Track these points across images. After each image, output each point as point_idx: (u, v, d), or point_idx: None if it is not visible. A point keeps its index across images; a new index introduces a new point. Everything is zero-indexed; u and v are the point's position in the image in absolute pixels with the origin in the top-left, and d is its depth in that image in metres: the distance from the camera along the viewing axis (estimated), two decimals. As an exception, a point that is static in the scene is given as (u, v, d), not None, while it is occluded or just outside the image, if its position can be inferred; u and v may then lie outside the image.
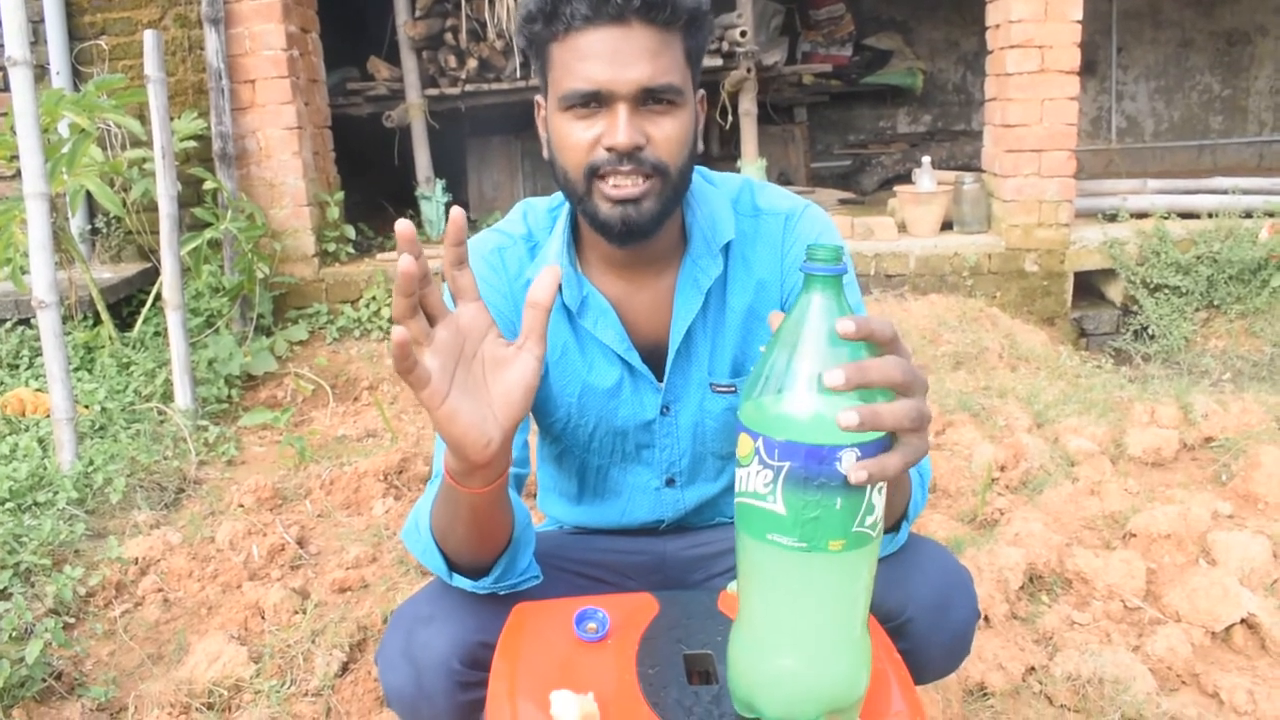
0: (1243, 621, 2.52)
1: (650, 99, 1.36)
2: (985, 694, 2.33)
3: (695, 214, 1.53)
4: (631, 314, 1.56)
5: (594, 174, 1.38)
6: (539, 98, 1.50)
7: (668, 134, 1.37)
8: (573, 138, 1.38)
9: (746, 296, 1.56)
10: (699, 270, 1.52)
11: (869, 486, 1.02)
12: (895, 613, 1.39)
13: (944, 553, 1.51)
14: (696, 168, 1.51)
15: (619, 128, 1.34)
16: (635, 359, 1.55)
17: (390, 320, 5.19)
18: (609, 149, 1.36)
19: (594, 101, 1.36)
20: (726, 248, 1.55)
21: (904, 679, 1.20)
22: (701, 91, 1.50)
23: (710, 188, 1.58)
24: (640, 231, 1.41)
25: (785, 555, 1.04)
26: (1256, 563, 2.71)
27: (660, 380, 1.57)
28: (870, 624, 1.16)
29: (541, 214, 1.61)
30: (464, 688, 1.36)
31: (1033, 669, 2.41)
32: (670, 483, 1.67)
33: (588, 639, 1.26)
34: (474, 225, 6.62)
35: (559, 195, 1.57)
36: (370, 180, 6.80)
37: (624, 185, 1.37)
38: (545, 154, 1.49)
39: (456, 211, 1.12)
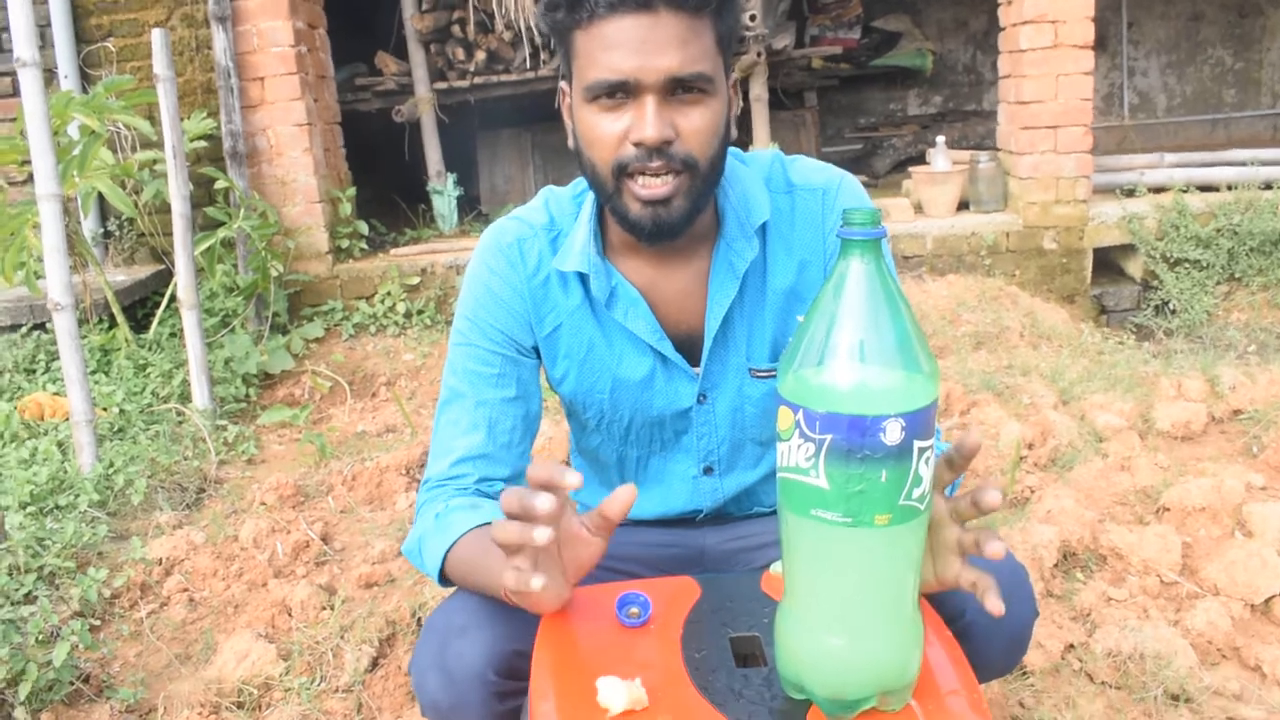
0: (1282, 593, 2.49)
1: (680, 89, 1.30)
2: (1025, 673, 2.29)
3: (728, 196, 1.48)
4: (662, 302, 1.51)
5: (623, 172, 1.33)
6: (563, 85, 1.44)
7: (697, 126, 1.32)
8: (599, 130, 1.33)
9: (788, 278, 1.51)
10: (734, 254, 1.47)
11: (915, 457, 0.99)
12: (955, 615, 1.34)
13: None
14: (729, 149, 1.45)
15: (647, 121, 1.29)
16: (668, 348, 1.50)
17: (405, 315, 5.18)
18: (637, 144, 1.31)
19: (620, 92, 1.30)
20: (763, 229, 1.50)
21: (957, 657, 1.17)
22: (736, 77, 1.44)
23: (742, 168, 1.53)
24: (671, 230, 1.37)
25: (830, 531, 1.01)
26: (1294, 534, 2.67)
27: (695, 367, 1.53)
28: (922, 604, 1.13)
29: (565, 201, 1.56)
30: (501, 698, 1.32)
31: (1071, 646, 2.38)
32: (708, 471, 1.62)
33: (630, 624, 1.23)
34: (485, 219, 6.60)
35: (581, 181, 1.51)
36: (381, 176, 6.78)
37: (653, 185, 1.33)
38: (570, 144, 1.43)
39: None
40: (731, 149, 1.50)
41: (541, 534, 1.06)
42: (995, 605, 1.05)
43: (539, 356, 1.57)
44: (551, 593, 1.18)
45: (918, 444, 0.99)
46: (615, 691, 1.08)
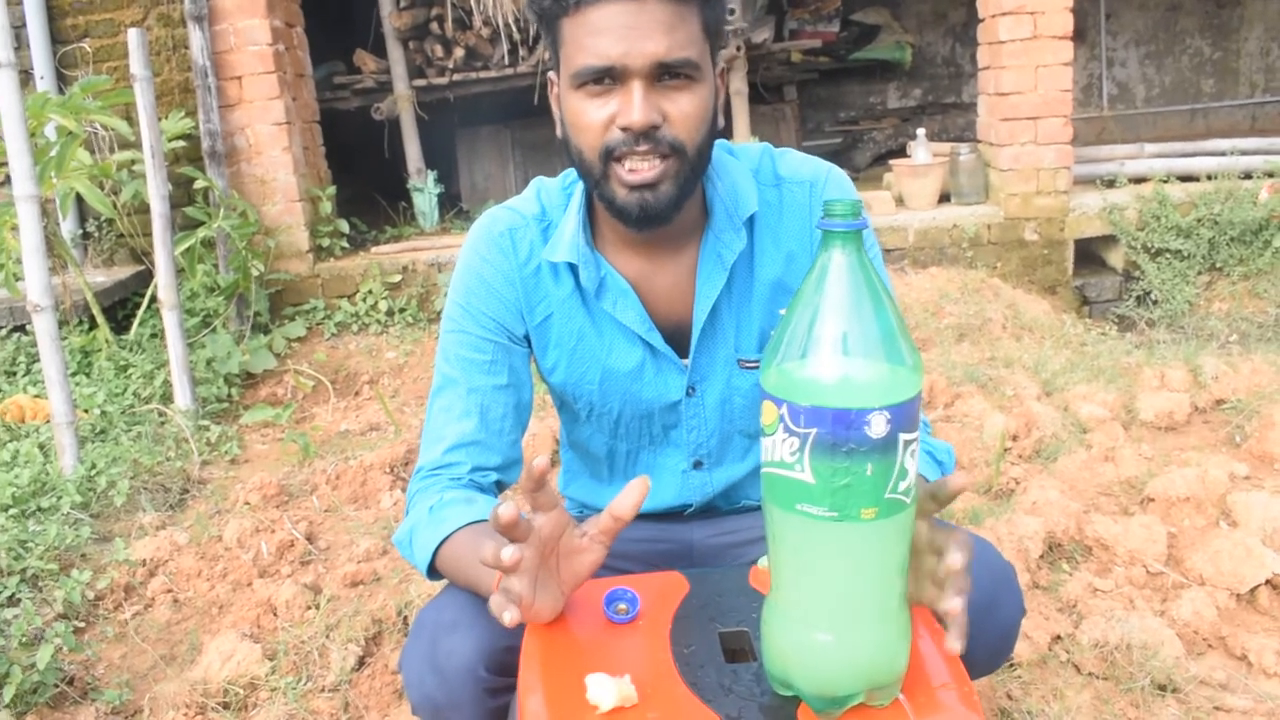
0: (1267, 582, 2.50)
1: (666, 74, 1.31)
2: (1012, 665, 2.30)
3: (716, 187, 1.48)
4: (651, 294, 1.51)
5: (610, 156, 1.34)
6: (551, 74, 1.45)
7: (685, 111, 1.33)
8: (586, 117, 1.34)
9: (775, 269, 1.52)
10: (722, 245, 1.48)
11: (901, 450, 0.98)
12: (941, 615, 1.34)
13: (989, 550, 1.45)
14: (716, 140, 1.45)
15: (634, 106, 1.30)
16: (658, 339, 1.51)
17: (387, 314, 5.16)
18: (624, 128, 1.31)
19: (607, 78, 1.31)
20: (750, 221, 1.50)
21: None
22: (722, 65, 1.44)
23: (731, 159, 1.53)
24: (659, 216, 1.37)
25: (816, 526, 1.00)
26: (1278, 522, 2.68)
27: (684, 360, 1.53)
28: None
29: (555, 192, 1.56)
30: (493, 694, 1.31)
31: (1059, 638, 2.38)
32: (698, 465, 1.63)
33: (618, 620, 1.22)
34: (466, 216, 6.58)
35: (571, 172, 1.52)
36: (361, 174, 6.75)
37: (640, 169, 1.33)
38: (558, 133, 1.44)
39: (539, 463, 1.12)
40: (721, 141, 1.50)
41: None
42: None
43: (530, 346, 1.57)
44: (546, 607, 1.19)
45: (903, 437, 0.98)
46: (604, 688, 1.07)
